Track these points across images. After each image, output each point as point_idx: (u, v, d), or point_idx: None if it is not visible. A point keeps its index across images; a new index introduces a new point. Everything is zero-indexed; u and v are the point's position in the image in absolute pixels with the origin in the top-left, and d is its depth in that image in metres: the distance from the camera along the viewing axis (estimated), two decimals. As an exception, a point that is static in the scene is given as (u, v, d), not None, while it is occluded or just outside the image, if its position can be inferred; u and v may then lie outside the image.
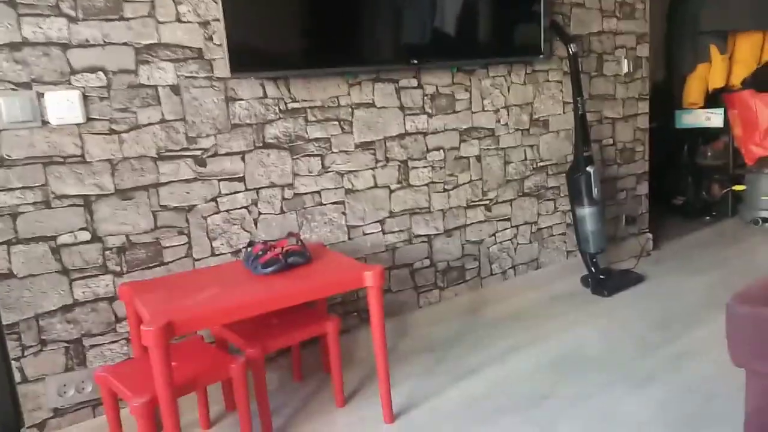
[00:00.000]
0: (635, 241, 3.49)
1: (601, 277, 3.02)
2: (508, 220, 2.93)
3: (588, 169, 2.89)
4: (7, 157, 1.75)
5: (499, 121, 2.81)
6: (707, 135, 4.07)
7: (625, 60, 3.25)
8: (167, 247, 2.02)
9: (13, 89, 1.74)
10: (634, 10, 3.24)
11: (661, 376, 2.15)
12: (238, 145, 2.13)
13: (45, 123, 1.79)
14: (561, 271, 3.15)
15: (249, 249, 1.97)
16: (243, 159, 2.14)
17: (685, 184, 4.18)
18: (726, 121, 3.95)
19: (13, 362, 1.83)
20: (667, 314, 2.68)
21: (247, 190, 2.16)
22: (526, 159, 2.94)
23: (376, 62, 2.36)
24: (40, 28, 1.76)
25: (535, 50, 2.74)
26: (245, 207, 2.17)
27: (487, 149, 2.79)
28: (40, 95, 1.78)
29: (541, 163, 3.00)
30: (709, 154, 4.10)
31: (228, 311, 1.64)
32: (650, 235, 3.58)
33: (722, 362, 2.19)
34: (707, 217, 4.11)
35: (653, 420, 1.90)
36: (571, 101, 3.02)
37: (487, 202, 2.84)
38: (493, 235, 2.88)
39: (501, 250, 2.93)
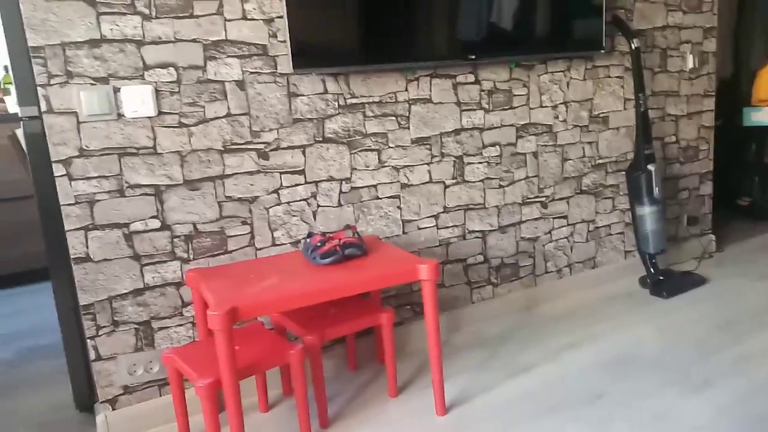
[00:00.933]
0: (697, 243, 3.38)
1: (661, 278, 2.94)
2: (565, 217, 2.89)
3: (649, 167, 2.83)
4: (85, 148, 1.86)
5: (557, 117, 2.77)
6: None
7: (691, 55, 3.15)
8: (231, 236, 2.11)
9: (92, 84, 1.84)
10: (701, 3, 3.13)
11: (721, 379, 2.09)
12: (299, 139, 2.18)
13: (120, 116, 1.89)
14: (619, 271, 3.08)
15: (308, 240, 2.03)
16: (303, 153, 2.20)
17: (751, 185, 4.01)
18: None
19: (88, 341, 1.95)
20: (729, 318, 2.59)
21: (306, 183, 2.22)
22: (584, 156, 2.89)
23: (434, 58, 2.37)
24: (117, 25, 1.86)
25: (595, 45, 2.69)
26: (305, 199, 2.23)
27: (545, 146, 2.77)
28: (116, 90, 1.88)
29: (600, 161, 2.95)
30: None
31: (288, 299, 1.69)
32: (713, 237, 3.46)
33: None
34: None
35: (712, 423, 1.85)
36: (633, 98, 2.95)
37: (544, 199, 2.81)
38: (549, 232, 2.85)
39: (557, 248, 2.89)
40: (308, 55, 2.08)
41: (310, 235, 2.06)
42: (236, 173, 2.09)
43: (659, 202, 2.86)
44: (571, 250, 2.94)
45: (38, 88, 1.79)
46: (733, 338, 2.40)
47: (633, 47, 2.80)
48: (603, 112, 2.91)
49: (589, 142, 2.90)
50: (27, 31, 1.75)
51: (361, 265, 1.92)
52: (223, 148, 2.05)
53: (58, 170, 1.84)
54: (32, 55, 1.77)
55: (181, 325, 2.07)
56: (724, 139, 3.64)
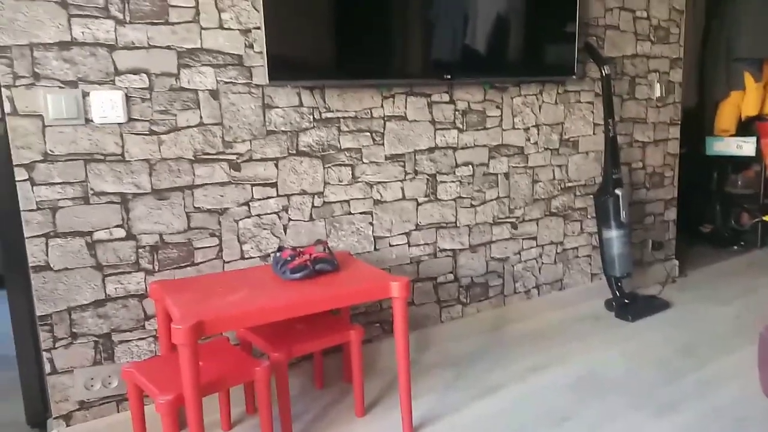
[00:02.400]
0: (661, 267, 3.44)
1: (626, 301, 2.98)
2: (534, 239, 2.92)
3: (617, 191, 2.88)
4: (50, 153, 1.80)
5: (528, 139, 2.81)
6: (738, 163, 4.02)
7: (658, 84, 3.24)
8: (199, 248, 2.06)
9: (60, 87, 1.79)
10: (668, 35, 3.23)
11: (685, 402, 2.12)
12: (273, 152, 2.16)
13: (88, 121, 1.84)
14: (585, 293, 3.12)
15: (278, 254, 1.99)
16: (276, 165, 2.17)
17: (713, 212, 4.12)
18: (758, 150, 3.90)
19: (44, 353, 1.86)
20: (693, 341, 2.64)
21: (278, 196, 2.19)
22: (554, 179, 2.93)
23: (409, 76, 2.38)
24: (89, 29, 1.81)
25: (567, 70, 2.75)
26: (276, 213, 2.20)
27: (516, 167, 2.80)
28: (86, 94, 1.83)
29: (569, 184, 2.99)
30: (739, 182, 4.05)
31: (256, 314, 1.66)
32: (677, 262, 3.54)
33: (749, 390, 2.15)
34: (735, 247, 4.05)
35: (677, 448, 1.86)
36: (602, 123, 3.01)
37: (514, 219, 2.83)
38: (518, 253, 2.87)
39: (525, 269, 2.91)
40: (284, 67, 2.06)
41: (280, 249, 2.03)
42: (206, 184, 2.05)
43: (626, 226, 2.91)
44: (540, 272, 2.97)
45: (2, 89, 1.73)
46: (695, 362, 2.44)
47: (603, 74, 2.86)
48: (573, 136, 2.96)
49: (559, 165, 2.94)
50: (-7, 29, 1.70)
51: (332, 281, 1.89)
52: (193, 158, 2.01)
53: (20, 174, 1.77)
54: (-3, 54, 1.71)
55: (142, 338, 2.00)
56: (689, 166, 3.74)
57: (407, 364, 1.91)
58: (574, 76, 2.77)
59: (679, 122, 3.40)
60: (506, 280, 2.86)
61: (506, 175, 2.77)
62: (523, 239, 2.88)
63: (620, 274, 2.94)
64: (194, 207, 2.03)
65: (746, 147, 3.88)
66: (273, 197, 2.18)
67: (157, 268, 1.99)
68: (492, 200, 2.75)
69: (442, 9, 2.37)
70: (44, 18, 1.75)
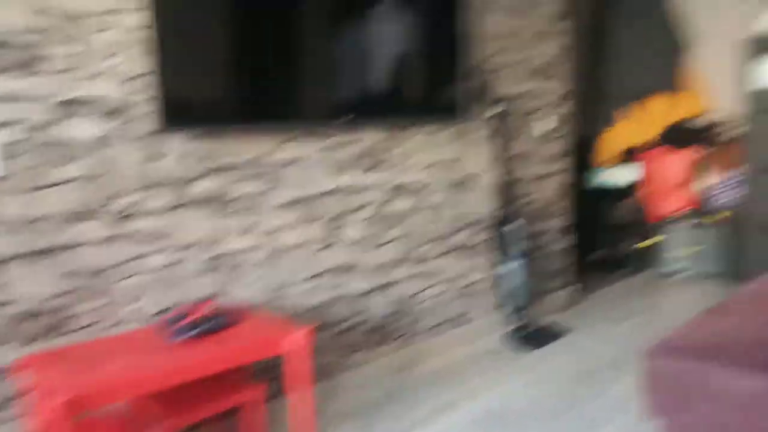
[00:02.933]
0: (559, 295, 3.59)
1: (527, 331, 3.07)
2: (437, 276, 2.95)
3: (512, 224, 2.98)
4: None
5: (428, 177, 2.86)
6: (620, 192, 4.30)
7: (549, 118, 3.41)
8: (74, 316, 1.90)
9: None
10: (558, 71, 3.41)
11: (590, 428, 2.18)
12: (160, 204, 2.05)
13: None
14: (489, 326, 3.18)
15: (165, 315, 1.88)
16: (164, 218, 2.07)
17: (601, 240, 4.37)
18: (637, 178, 4.19)
19: None
20: (593, 366, 2.75)
21: (166, 249, 2.08)
22: (454, 215, 2.99)
23: (308, 118, 2.37)
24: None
25: (462, 109, 2.83)
26: (164, 268, 2.08)
27: (417, 207, 2.83)
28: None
29: (469, 220, 3.07)
30: (622, 210, 4.33)
31: (138, 383, 1.55)
32: (572, 289, 3.70)
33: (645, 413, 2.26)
34: (623, 271, 4.29)
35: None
36: (497, 159, 3.12)
37: (416, 258, 2.85)
38: (422, 291, 2.89)
39: (429, 307, 2.94)
40: (173, 115, 1.97)
41: (167, 309, 1.92)
42: (84, 243, 1.91)
43: (523, 257, 3.01)
44: (444, 308, 3.00)
45: None
46: (597, 386, 2.54)
47: (497, 111, 2.98)
48: (471, 173, 3.04)
49: (458, 202, 3.01)
50: None
51: (224, 339, 1.81)
52: (70, 215, 1.87)
53: None
54: None
55: (9, 421, 1.81)
56: (579, 197, 3.96)
57: (313, 421, 1.84)
58: (468, 115, 2.86)
59: (569, 155, 3.59)
60: (411, 320, 2.86)
61: (407, 215, 2.80)
62: (426, 277, 2.90)
63: (519, 305, 3.03)
64: (70, 269, 1.88)
65: (625, 176, 4.18)
66: (162, 252, 2.07)
67: (26, 340, 1.82)
68: (393, 240, 2.76)
69: (343, 53, 2.39)
70: None
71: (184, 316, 1.84)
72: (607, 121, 4.12)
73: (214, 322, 1.86)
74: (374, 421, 2.34)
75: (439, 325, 2.98)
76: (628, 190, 4.27)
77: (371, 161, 2.64)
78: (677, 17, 4.13)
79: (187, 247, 2.13)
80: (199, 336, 1.81)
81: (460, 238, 3.03)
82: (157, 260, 2.06)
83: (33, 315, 1.83)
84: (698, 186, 4.03)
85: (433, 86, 2.75)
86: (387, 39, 2.56)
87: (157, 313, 2.06)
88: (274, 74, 2.24)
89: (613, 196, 4.31)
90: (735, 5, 3.93)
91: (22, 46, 1.77)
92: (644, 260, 4.33)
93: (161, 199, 2.06)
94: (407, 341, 2.86)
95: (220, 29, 2.09)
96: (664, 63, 4.15)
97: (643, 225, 4.29)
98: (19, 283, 1.80)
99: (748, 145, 3.66)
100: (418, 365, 2.84)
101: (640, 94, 4.13)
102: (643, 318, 3.39)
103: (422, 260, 2.88)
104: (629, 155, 4.21)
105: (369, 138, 2.63)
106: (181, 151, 2.09)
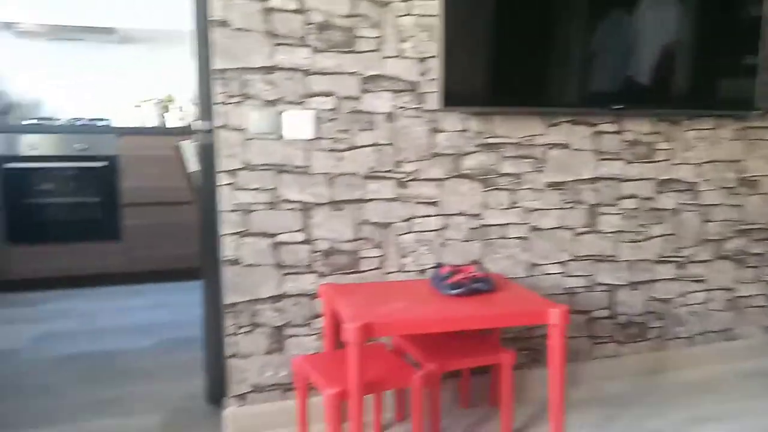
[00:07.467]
0: None
1: (810, 361, 2.67)
2: (702, 281, 2.73)
3: (804, 237, 2.61)
4: (249, 162, 2.06)
5: (700, 175, 2.66)
6: None
7: None
8: (364, 258, 2.21)
9: (262, 106, 2.05)
10: None
11: None
12: (437, 173, 2.27)
13: (280, 137, 2.08)
14: (759, 347, 2.84)
15: (437, 270, 2.08)
16: (439, 186, 2.28)
17: None
18: None
19: (227, 338, 2.11)
20: None
21: (438, 215, 2.29)
22: (728, 219, 2.73)
23: (576, 105, 2.38)
24: (289, 56, 2.06)
25: (748, 105, 2.57)
26: (435, 230, 2.30)
27: (685, 204, 2.65)
28: (280, 112, 2.07)
29: (746, 226, 2.77)
30: None
31: (419, 323, 1.75)
32: None
33: None
34: None
35: None
36: (789, 162, 2.76)
37: (680, 259, 2.67)
38: (684, 295, 2.70)
39: (690, 313, 2.73)
40: (453, 94, 2.18)
41: (439, 265, 2.12)
42: (376, 198, 2.20)
43: (814, 277, 2.61)
44: (707, 318, 2.76)
45: (216, 106, 2.02)
46: None
47: (794, 110, 2.64)
48: (753, 175, 2.74)
49: (735, 205, 2.73)
50: (214, 56, 2.00)
51: (489, 301, 1.94)
52: (366, 174, 2.18)
53: (223, 180, 2.04)
54: (216, 77, 2.01)
55: (309, 335, 2.18)
56: None
57: (561, 395, 1.88)
58: (755, 112, 2.58)
59: None
60: (668, 323, 2.69)
61: (674, 212, 2.63)
62: (689, 281, 2.70)
63: (804, 330, 2.65)
64: (363, 219, 2.19)
65: None
66: (433, 216, 2.29)
67: (327, 271, 2.17)
68: (657, 237, 2.62)
69: (609, 39, 2.35)
70: (254, 46, 2.02)
71: (453, 274, 2.01)
72: None
73: (482, 284, 1.99)
74: (616, 416, 2.28)
75: (699, 334, 2.75)
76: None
77: (637, 153, 2.55)
78: None
79: (456, 214, 2.31)
80: (469, 294, 1.96)
81: (733, 245, 2.75)
82: (430, 222, 2.28)
83: (331, 253, 2.17)
84: None
85: (713, 78, 2.53)
86: (661, 26, 2.43)
87: (428, 269, 2.29)
88: (542, 64, 2.29)
89: None
90: None
91: (345, 28, 2.11)
92: None
93: (439, 168, 2.27)
94: (662, 344, 2.70)
95: (493, 20, 2.22)
96: None
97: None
98: (324, 225, 2.15)
99: None
100: (672, 371, 2.66)
101: None
102: None
103: (687, 263, 2.68)
104: None
105: (637, 129, 2.54)
106: (457, 127, 2.28)
